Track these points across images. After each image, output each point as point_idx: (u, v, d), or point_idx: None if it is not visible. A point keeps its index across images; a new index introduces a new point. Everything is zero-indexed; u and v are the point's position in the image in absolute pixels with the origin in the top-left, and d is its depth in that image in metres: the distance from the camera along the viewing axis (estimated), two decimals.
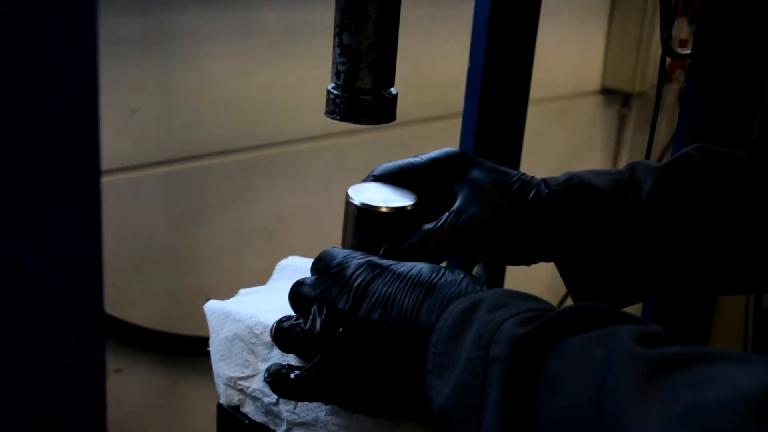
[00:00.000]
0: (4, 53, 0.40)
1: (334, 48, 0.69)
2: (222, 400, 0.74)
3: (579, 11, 1.97)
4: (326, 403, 0.65)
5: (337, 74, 0.69)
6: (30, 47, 0.41)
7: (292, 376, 0.63)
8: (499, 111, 1.02)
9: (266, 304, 0.75)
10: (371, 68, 0.68)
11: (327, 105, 0.71)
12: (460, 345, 0.55)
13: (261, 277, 0.89)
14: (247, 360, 0.72)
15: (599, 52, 2.05)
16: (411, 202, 0.71)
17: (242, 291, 0.80)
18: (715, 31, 0.79)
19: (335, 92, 0.70)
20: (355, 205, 0.70)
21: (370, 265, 0.63)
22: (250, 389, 0.72)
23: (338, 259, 0.64)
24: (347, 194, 0.71)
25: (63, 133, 0.42)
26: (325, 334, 0.61)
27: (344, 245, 0.73)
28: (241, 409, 0.73)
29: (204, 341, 0.76)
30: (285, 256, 0.89)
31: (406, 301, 0.60)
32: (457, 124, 1.04)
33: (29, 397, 0.46)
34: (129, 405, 1.39)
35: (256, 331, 0.72)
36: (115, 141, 1.27)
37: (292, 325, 0.64)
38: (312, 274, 0.66)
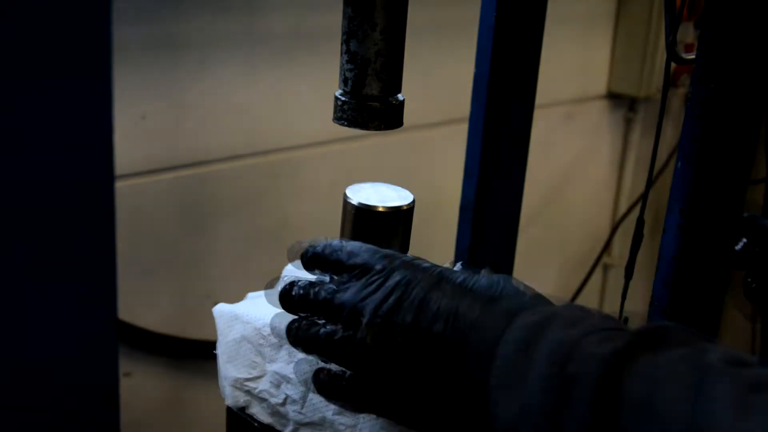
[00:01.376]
0: (21, 60, 0.41)
1: (341, 55, 0.70)
2: (228, 402, 0.75)
3: (585, 16, 1.97)
4: (378, 415, 0.62)
5: (344, 81, 0.70)
6: (46, 55, 0.41)
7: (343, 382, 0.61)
8: (506, 116, 1.03)
9: (275, 306, 0.76)
10: (378, 75, 0.69)
11: (335, 111, 0.72)
12: (530, 361, 0.52)
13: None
14: (254, 361, 0.73)
15: (605, 56, 2.05)
16: (407, 202, 0.72)
17: (250, 294, 0.80)
18: (719, 36, 0.80)
19: (343, 98, 0.71)
20: (353, 205, 0.71)
21: (425, 274, 0.60)
22: (257, 390, 0.72)
23: (380, 264, 0.61)
24: (345, 194, 0.72)
25: (78, 140, 0.43)
26: (379, 345, 0.58)
27: None
28: (247, 411, 0.74)
29: (212, 345, 0.77)
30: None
31: (468, 313, 0.57)
32: (463, 129, 1.04)
33: (44, 401, 0.46)
34: (138, 409, 1.40)
35: (264, 333, 0.72)
36: (124, 147, 1.28)
37: (309, 325, 0.62)
38: (328, 267, 0.63)
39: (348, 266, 0.62)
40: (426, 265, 0.61)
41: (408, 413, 0.60)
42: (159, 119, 1.32)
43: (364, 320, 0.59)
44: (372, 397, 0.60)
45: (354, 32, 0.68)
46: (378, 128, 0.71)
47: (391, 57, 0.69)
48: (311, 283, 0.64)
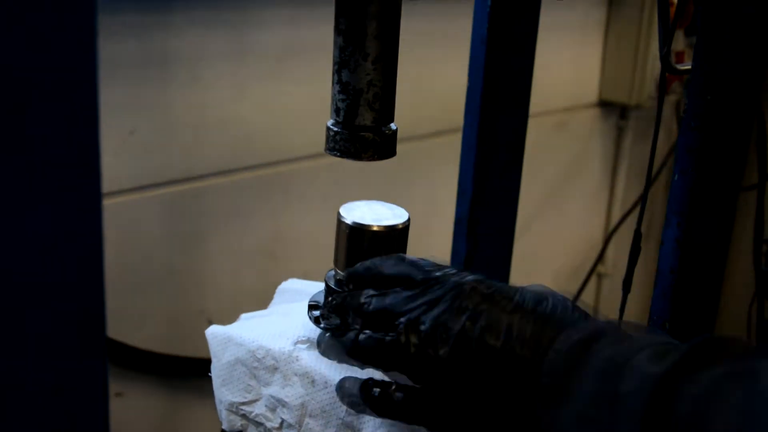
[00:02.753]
0: (6, 76, 0.40)
1: (333, 85, 0.69)
2: (224, 426, 0.74)
3: (576, 25, 1.97)
4: (431, 430, 0.63)
5: (336, 111, 0.69)
6: (32, 70, 0.41)
7: (397, 395, 0.62)
8: (499, 127, 1.02)
9: (268, 328, 0.75)
10: (371, 105, 0.68)
11: (327, 141, 0.71)
12: (580, 376, 0.53)
13: (261, 297, 0.89)
14: (249, 384, 0.72)
15: (596, 65, 2.05)
16: (402, 221, 0.71)
17: (243, 316, 0.79)
18: (715, 48, 0.79)
19: (335, 129, 0.69)
20: (347, 224, 0.71)
21: (478, 289, 0.61)
22: (252, 414, 0.71)
23: (435, 274, 0.62)
24: (339, 213, 0.72)
25: (64, 157, 0.42)
26: (453, 359, 0.59)
27: (336, 264, 0.73)
28: None
29: (205, 362, 0.76)
30: (285, 276, 0.89)
31: (517, 327, 0.58)
32: (457, 140, 1.04)
33: (33, 422, 0.45)
34: (131, 429, 1.38)
35: (258, 356, 0.71)
36: (113, 163, 1.27)
37: (377, 340, 0.62)
38: (385, 280, 0.64)
39: (416, 278, 0.63)
40: (480, 280, 0.62)
41: (462, 425, 0.60)
42: (148, 134, 1.30)
43: (424, 328, 0.60)
44: (428, 408, 0.61)
45: (346, 62, 0.66)
46: (371, 159, 0.70)
47: (383, 87, 0.68)
48: (353, 294, 0.66)
